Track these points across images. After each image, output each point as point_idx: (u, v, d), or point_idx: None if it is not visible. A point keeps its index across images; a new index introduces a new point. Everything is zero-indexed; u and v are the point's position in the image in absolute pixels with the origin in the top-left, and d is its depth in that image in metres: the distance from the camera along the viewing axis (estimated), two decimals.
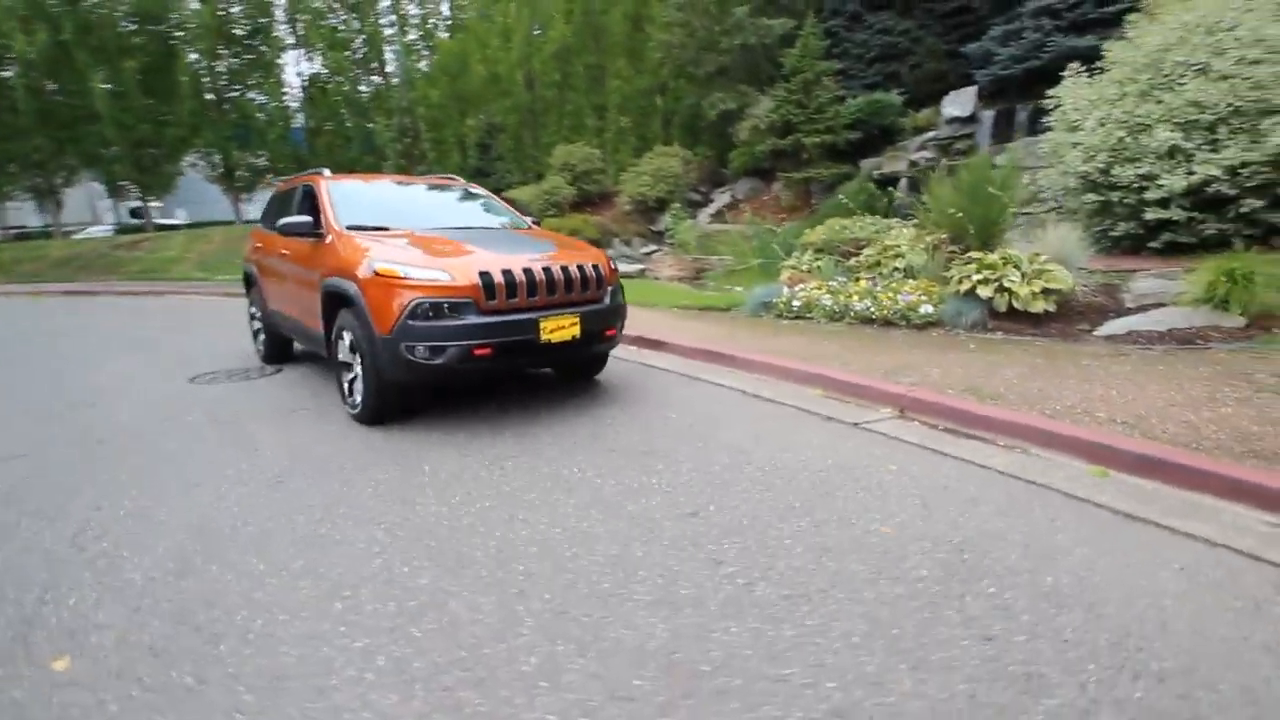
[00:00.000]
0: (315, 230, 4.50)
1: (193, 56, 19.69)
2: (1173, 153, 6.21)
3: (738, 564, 2.35)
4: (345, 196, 4.76)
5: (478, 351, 3.69)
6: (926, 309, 5.75)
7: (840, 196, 10.83)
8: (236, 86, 20.27)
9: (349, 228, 4.39)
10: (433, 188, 5.50)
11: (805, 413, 4.18)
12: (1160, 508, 2.75)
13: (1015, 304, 5.34)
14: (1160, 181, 6.24)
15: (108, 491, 3.15)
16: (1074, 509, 2.76)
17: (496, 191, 19.51)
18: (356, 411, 4.08)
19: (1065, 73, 7.95)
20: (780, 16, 19.48)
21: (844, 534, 2.56)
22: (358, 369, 4.04)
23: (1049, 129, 8.01)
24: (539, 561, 2.40)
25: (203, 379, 5.56)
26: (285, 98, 20.26)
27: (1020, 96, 15.22)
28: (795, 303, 6.81)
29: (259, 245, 5.89)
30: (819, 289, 6.85)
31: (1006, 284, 5.38)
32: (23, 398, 5.14)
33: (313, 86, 20.38)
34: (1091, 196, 7.08)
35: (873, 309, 6.11)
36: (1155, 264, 6.36)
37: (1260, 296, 4.47)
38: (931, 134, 15.71)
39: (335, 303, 4.20)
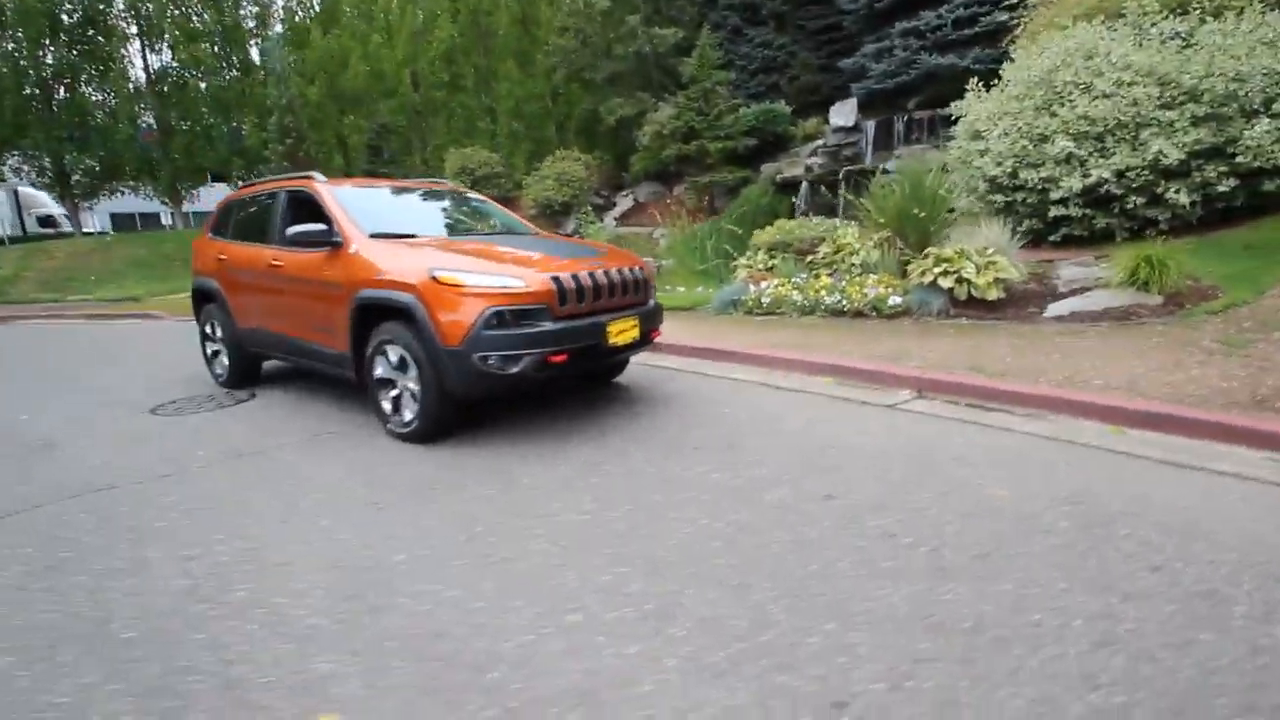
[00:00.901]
0: (330, 239, 4.16)
1: (9, 46, 16.74)
2: (1069, 159, 7.28)
3: (909, 535, 2.57)
4: (353, 202, 4.44)
5: (553, 358, 3.63)
6: (895, 300, 6.33)
7: (795, 201, 11.43)
8: (68, 81, 17.48)
9: (373, 235, 4.11)
10: (431, 193, 5.23)
11: (838, 399, 4.50)
12: (1184, 454, 3.31)
13: (974, 292, 6.03)
14: (1061, 183, 7.29)
15: (182, 539, 2.78)
16: (1124, 462, 3.25)
17: None
18: (408, 430, 3.84)
19: (968, 88, 8.96)
20: (668, 27, 20.11)
21: (971, 500, 2.86)
22: (406, 384, 3.82)
23: (920, 140, 9.03)
24: (729, 555, 2.47)
25: (166, 410, 4.93)
26: (132, 94, 17.79)
27: (889, 108, 16.90)
28: (765, 299, 7.19)
29: (222, 257, 5.28)
30: (784, 286, 7.28)
31: (965, 275, 6.06)
32: None
33: (164, 82, 18.10)
34: (998, 197, 8.09)
35: (844, 302, 6.61)
36: (1058, 254, 7.41)
37: (1171, 278, 5.42)
38: (820, 142, 16.96)
39: (373, 316, 3.93)
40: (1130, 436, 3.56)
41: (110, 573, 2.53)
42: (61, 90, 17.28)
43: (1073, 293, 6.03)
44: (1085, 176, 7.15)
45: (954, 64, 15.60)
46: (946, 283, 6.13)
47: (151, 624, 2.18)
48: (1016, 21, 11.25)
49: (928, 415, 4.10)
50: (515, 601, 2.21)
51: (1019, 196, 7.81)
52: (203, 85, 17.86)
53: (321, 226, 4.19)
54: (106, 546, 2.74)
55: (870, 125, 16.12)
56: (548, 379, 4.57)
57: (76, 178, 17.74)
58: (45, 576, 2.51)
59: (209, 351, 5.71)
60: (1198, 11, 7.45)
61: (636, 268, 4.24)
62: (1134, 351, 4.55)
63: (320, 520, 2.90)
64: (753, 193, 16.48)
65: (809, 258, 7.90)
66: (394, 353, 3.83)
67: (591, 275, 3.85)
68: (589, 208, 17.83)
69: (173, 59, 18.02)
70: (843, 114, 16.70)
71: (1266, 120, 6.33)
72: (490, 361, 3.54)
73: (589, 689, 1.78)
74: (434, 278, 3.60)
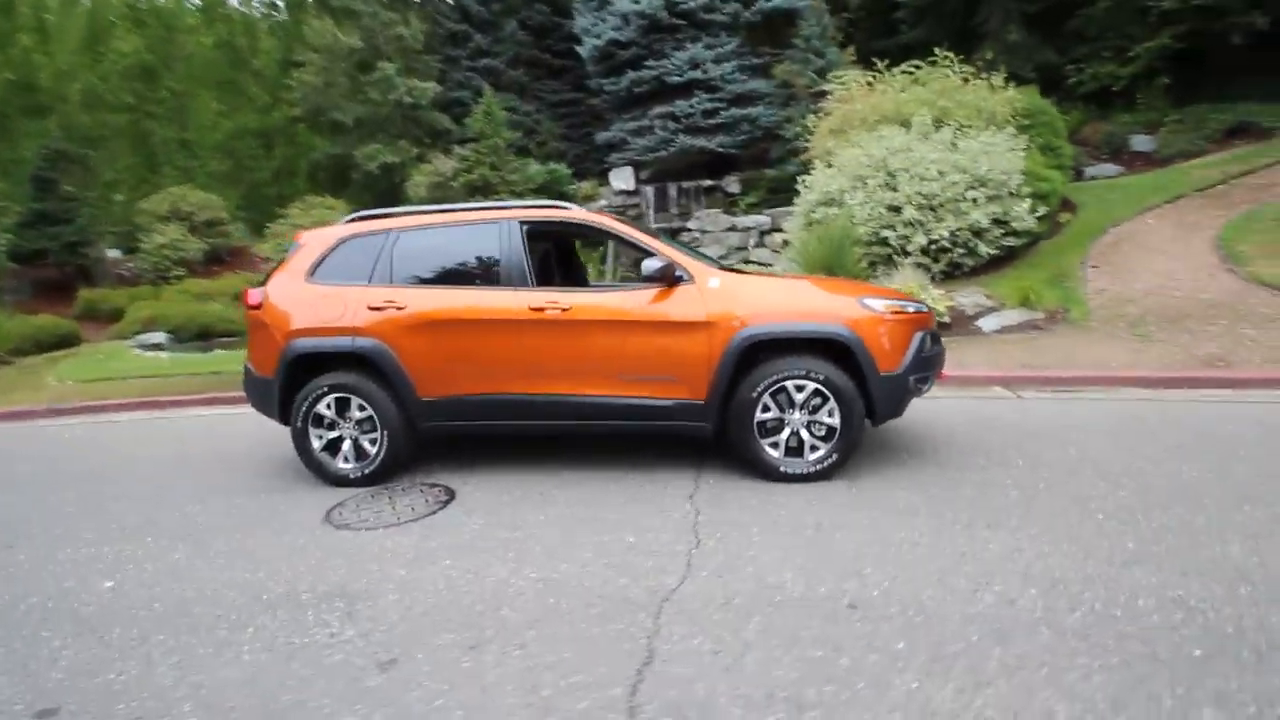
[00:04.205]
0: (674, 274, 3.70)
1: None
2: (914, 223, 9.99)
3: None
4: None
5: (942, 375, 3.99)
6: None
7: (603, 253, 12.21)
8: None
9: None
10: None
11: (986, 399, 5.68)
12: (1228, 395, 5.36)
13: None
14: (912, 240, 9.95)
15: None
16: (1234, 405, 5.09)
17: (76, 246, 13.82)
18: (819, 468, 3.68)
19: (813, 169, 11.38)
20: (426, 80, 19.53)
21: None
22: (818, 420, 3.67)
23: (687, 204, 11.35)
24: None
25: (351, 522, 3.50)
26: None
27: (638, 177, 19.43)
28: None
29: (391, 306, 3.88)
30: None
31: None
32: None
33: None
34: (858, 250, 10.49)
35: None
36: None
37: (1045, 300, 8.13)
38: (604, 202, 18.45)
39: (758, 354, 3.67)
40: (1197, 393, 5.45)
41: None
42: None
43: (980, 314, 8.42)
44: (928, 234, 9.93)
45: (703, 146, 18.82)
46: None
47: None
48: (785, 120, 14.52)
49: (1065, 400, 5.52)
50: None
51: (877, 250, 10.29)
52: None
53: (665, 261, 3.69)
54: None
55: (649, 190, 18.25)
56: None
57: None
58: None
59: (321, 442, 4.04)
60: (953, 126, 11.02)
61: None
62: (1095, 346, 6.80)
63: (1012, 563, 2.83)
64: None
65: None
66: (799, 388, 3.64)
67: None
68: None
69: None
70: (622, 179, 18.53)
71: (1026, 201, 9.86)
72: (912, 384, 3.74)
73: None
74: (867, 306, 3.65)
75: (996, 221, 9.94)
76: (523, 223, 4.02)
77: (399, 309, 3.94)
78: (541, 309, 3.81)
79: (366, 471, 4.05)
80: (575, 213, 4.11)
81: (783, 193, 17.19)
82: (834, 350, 3.66)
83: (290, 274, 4.18)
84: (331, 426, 4.07)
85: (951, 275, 10.22)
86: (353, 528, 3.43)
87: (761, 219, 15.83)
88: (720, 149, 18.87)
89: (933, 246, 9.93)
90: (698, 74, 18.14)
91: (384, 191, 19.34)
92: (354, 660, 2.23)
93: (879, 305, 3.71)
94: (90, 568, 3.12)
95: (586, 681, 2.04)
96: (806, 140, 13.42)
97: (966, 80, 11.62)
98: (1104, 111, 16.54)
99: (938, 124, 11.08)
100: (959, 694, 1.90)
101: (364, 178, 18.76)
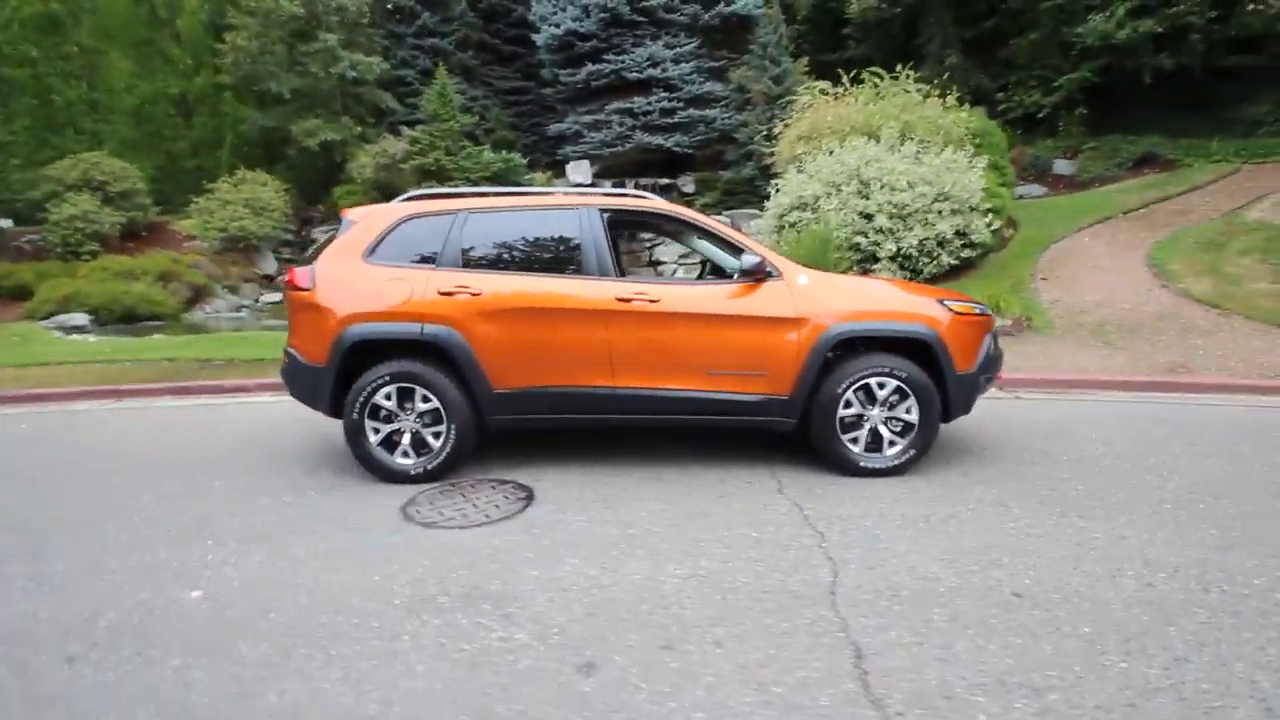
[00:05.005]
0: (765, 269, 3.70)
1: None
2: (885, 231, 10.47)
3: None
4: None
5: (999, 376, 4.21)
6: None
7: None
8: None
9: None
10: None
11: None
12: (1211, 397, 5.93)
13: None
14: (883, 247, 10.42)
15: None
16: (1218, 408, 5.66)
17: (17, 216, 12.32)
18: (896, 463, 3.80)
19: (786, 175, 11.67)
20: (370, 55, 18.56)
21: None
22: (897, 416, 3.79)
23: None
24: None
25: (435, 520, 3.30)
26: None
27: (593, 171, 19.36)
28: None
29: (466, 291, 3.65)
30: None
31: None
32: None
33: None
34: (834, 255, 10.88)
35: None
36: None
37: (1014, 305, 8.72)
38: None
39: (843, 351, 3.75)
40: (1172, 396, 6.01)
41: None
42: None
43: None
44: (898, 242, 10.42)
45: (659, 144, 18.94)
46: None
47: None
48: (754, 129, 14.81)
49: (1062, 401, 5.94)
50: None
51: (849, 255, 10.71)
52: None
53: (759, 257, 3.69)
54: None
55: (607, 185, 18.13)
56: None
57: None
58: None
59: (378, 435, 3.75)
60: (915, 140, 11.61)
61: None
62: (1068, 352, 7.37)
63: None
64: None
65: None
66: (881, 385, 3.74)
67: None
68: (314, 241, 15.09)
69: None
70: (580, 172, 18.32)
71: (986, 215, 10.54)
72: (987, 384, 3.93)
73: None
74: (947, 307, 3.79)
75: (958, 233, 10.57)
76: (603, 210, 3.90)
77: (474, 294, 3.72)
78: (628, 300, 3.71)
79: (429, 467, 3.80)
80: (657, 203, 4.04)
81: (738, 194, 17.55)
82: (916, 349, 3.78)
83: (343, 254, 3.86)
84: (389, 419, 3.80)
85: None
86: (442, 526, 3.22)
87: (722, 220, 16.08)
88: (676, 148, 19.02)
89: (902, 254, 10.42)
90: (656, 72, 18.19)
91: (323, 170, 18.28)
92: (546, 665, 2.10)
93: (957, 305, 3.88)
94: (159, 576, 2.76)
95: (811, 677, 2.02)
96: (765, 145, 13.75)
97: (926, 97, 12.26)
98: (1028, 136, 17.90)
99: (902, 138, 11.64)
100: (1167, 670, 2.03)
101: (300, 154, 17.63)
